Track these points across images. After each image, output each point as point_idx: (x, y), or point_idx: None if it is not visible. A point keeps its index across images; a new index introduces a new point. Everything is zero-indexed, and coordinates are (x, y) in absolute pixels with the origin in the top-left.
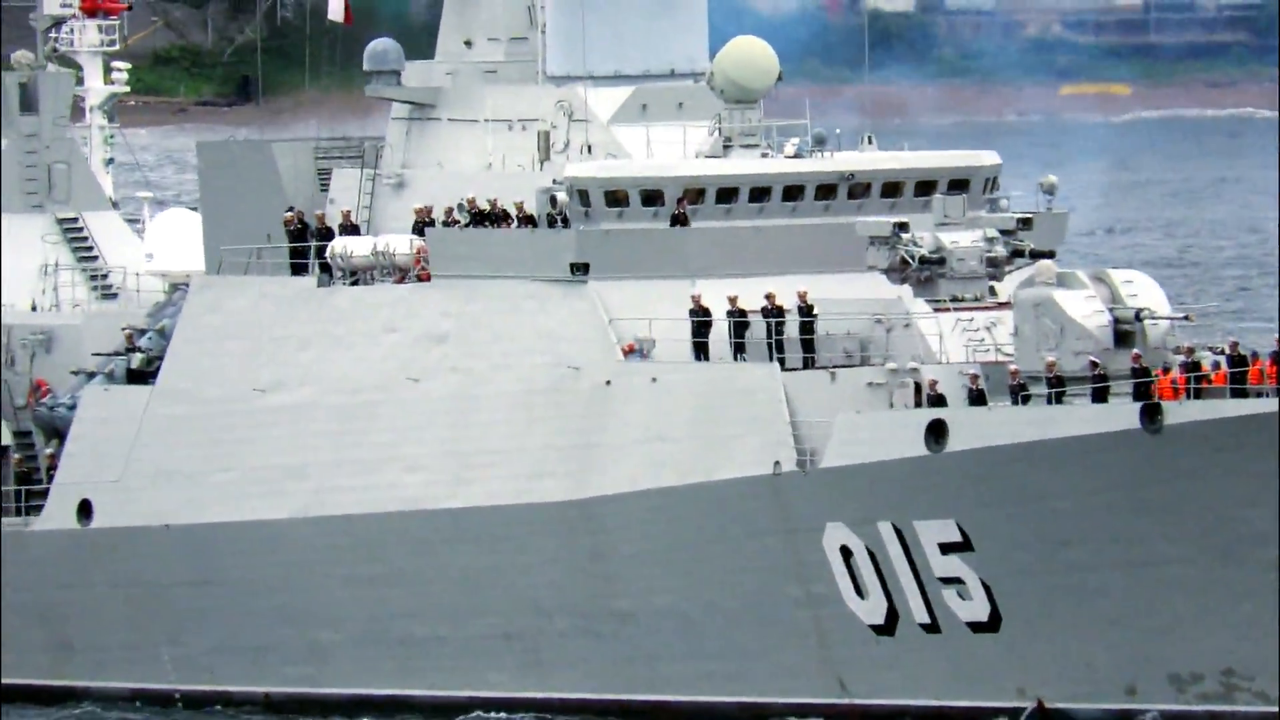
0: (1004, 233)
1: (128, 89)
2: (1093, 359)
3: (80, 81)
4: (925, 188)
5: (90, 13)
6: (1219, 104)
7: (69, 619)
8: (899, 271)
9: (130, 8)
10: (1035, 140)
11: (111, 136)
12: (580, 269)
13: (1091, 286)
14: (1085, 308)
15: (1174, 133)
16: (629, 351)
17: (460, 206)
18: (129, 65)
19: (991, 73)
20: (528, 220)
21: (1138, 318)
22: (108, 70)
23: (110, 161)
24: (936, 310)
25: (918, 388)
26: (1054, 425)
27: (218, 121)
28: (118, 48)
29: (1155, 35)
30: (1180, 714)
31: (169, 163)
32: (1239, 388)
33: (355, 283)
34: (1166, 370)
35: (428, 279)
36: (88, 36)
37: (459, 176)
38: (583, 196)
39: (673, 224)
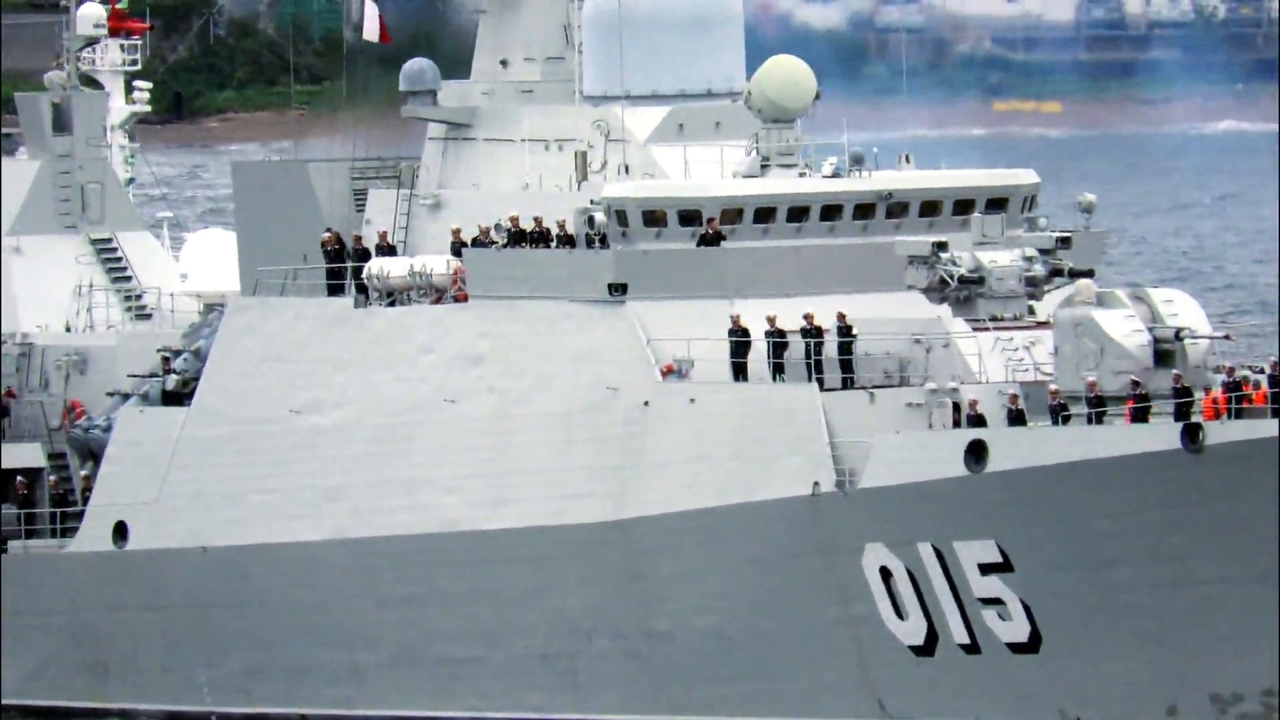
0: (1043, 252)
1: (149, 108)
2: (1133, 378)
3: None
4: (963, 207)
5: (114, 32)
6: (1154, 121)
7: (105, 641)
8: (938, 291)
9: (153, 28)
10: (969, 159)
11: (132, 156)
12: (618, 289)
13: (1131, 306)
14: (1125, 327)
15: (1114, 149)
16: (667, 372)
17: (498, 226)
18: (150, 85)
19: (923, 90)
20: (565, 240)
21: (1178, 337)
22: (129, 90)
23: (131, 181)
24: (976, 330)
25: (957, 408)
26: (1094, 445)
27: (154, 139)
28: (139, 67)
29: (1085, 52)
30: None
31: None
32: None
33: (392, 304)
34: (1209, 391)
35: (465, 300)
36: (110, 56)
37: (496, 197)
38: (620, 217)
39: (703, 243)
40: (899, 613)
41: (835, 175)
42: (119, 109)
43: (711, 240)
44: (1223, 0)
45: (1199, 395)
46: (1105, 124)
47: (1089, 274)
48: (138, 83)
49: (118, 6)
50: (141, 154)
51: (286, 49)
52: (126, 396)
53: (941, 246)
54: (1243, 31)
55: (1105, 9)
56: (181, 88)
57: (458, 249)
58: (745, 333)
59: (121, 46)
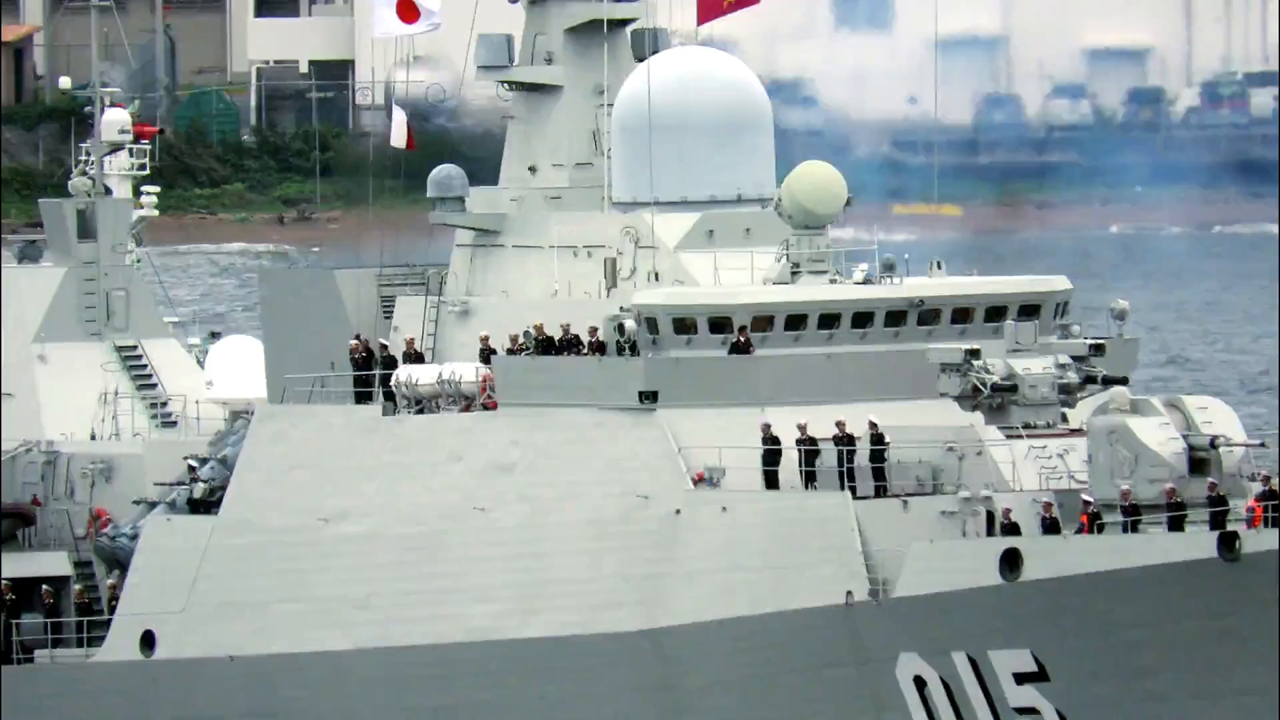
0: (1076, 359)
1: (156, 212)
2: (1168, 487)
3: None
4: (996, 313)
5: (141, 137)
6: (1053, 223)
7: None
8: (971, 399)
9: (162, 132)
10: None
11: (139, 260)
12: (649, 397)
13: (1166, 413)
14: (1160, 435)
15: (1014, 252)
16: (699, 480)
17: (527, 334)
18: (158, 189)
19: None
20: (595, 348)
21: (1213, 445)
22: (137, 194)
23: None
24: (1009, 437)
25: (990, 516)
26: (1130, 554)
27: None
28: (147, 172)
29: (985, 156)
30: None
31: None
32: None
33: (421, 411)
34: (1255, 501)
35: (494, 407)
36: (119, 160)
37: (525, 304)
38: (651, 324)
39: (733, 351)
40: None
41: (867, 282)
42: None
43: (741, 348)
44: (1122, 104)
45: (1237, 503)
46: (1005, 227)
47: (1123, 381)
48: (146, 187)
49: (129, 111)
50: (147, 256)
51: (185, 152)
52: (153, 505)
53: (974, 354)
54: (1142, 135)
55: (1005, 112)
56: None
57: (487, 356)
58: (777, 441)
59: (130, 151)
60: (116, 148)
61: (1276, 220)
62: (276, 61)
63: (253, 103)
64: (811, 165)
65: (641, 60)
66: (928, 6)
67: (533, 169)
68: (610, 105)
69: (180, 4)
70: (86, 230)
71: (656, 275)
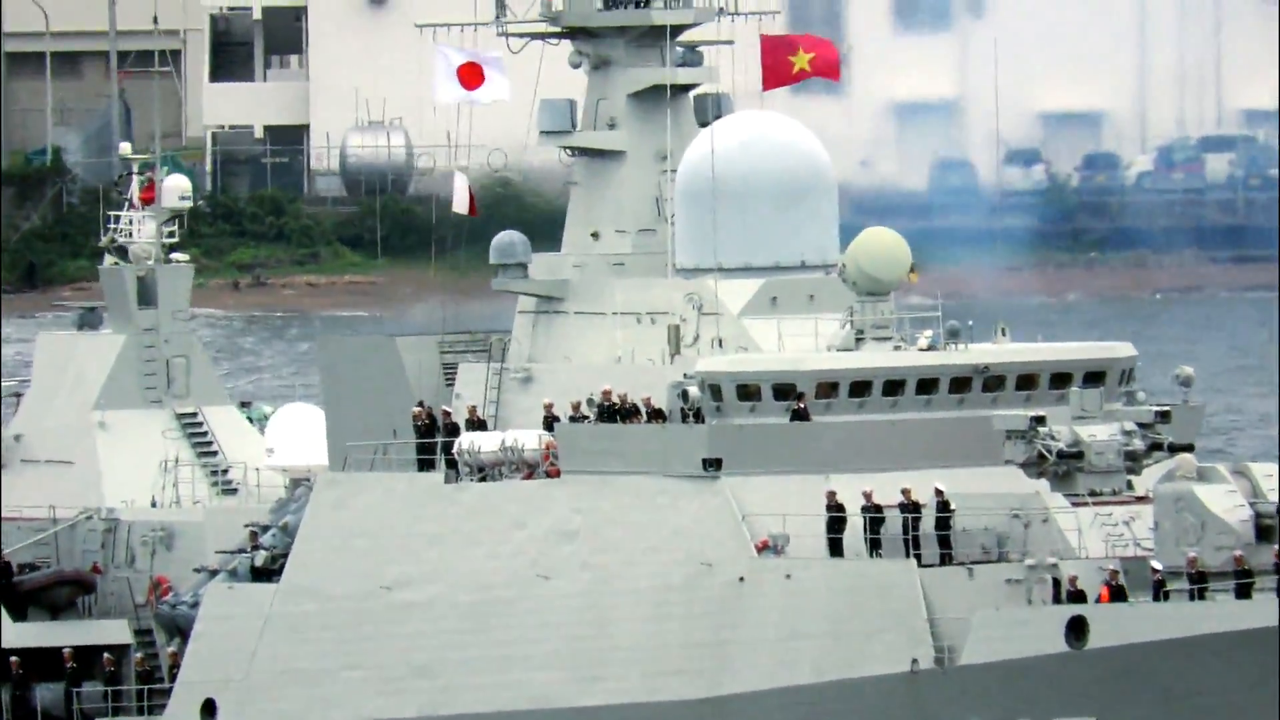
0: (1141, 425)
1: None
2: (1235, 554)
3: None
4: (1061, 380)
5: (149, 203)
6: (1008, 291)
7: None
8: (1036, 465)
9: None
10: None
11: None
12: (713, 464)
13: (1232, 480)
14: (1226, 502)
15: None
16: (763, 548)
17: (590, 401)
18: (187, 258)
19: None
20: (657, 415)
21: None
22: (165, 261)
23: None
24: (1074, 504)
25: (1056, 583)
26: (1196, 622)
27: (9, 310)
28: (176, 240)
29: (939, 220)
30: None
31: None
32: None
33: (483, 479)
34: None
35: (557, 475)
36: (146, 229)
37: (587, 370)
38: (714, 391)
39: (793, 419)
40: None
41: (931, 348)
42: None
43: (801, 415)
44: (1076, 169)
45: None
46: (959, 293)
47: (1189, 448)
48: (175, 255)
49: (154, 178)
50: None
51: None
52: (214, 573)
53: (1039, 421)
54: (1097, 200)
55: (959, 176)
56: (35, 256)
57: (550, 423)
58: (841, 508)
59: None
60: (178, 215)
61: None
62: (232, 126)
63: (208, 168)
64: (875, 231)
65: (705, 125)
66: (884, 71)
67: (595, 235)
68: (673, 171)
69: (136, 69)
70: (146, 297)
71: (720, 342)
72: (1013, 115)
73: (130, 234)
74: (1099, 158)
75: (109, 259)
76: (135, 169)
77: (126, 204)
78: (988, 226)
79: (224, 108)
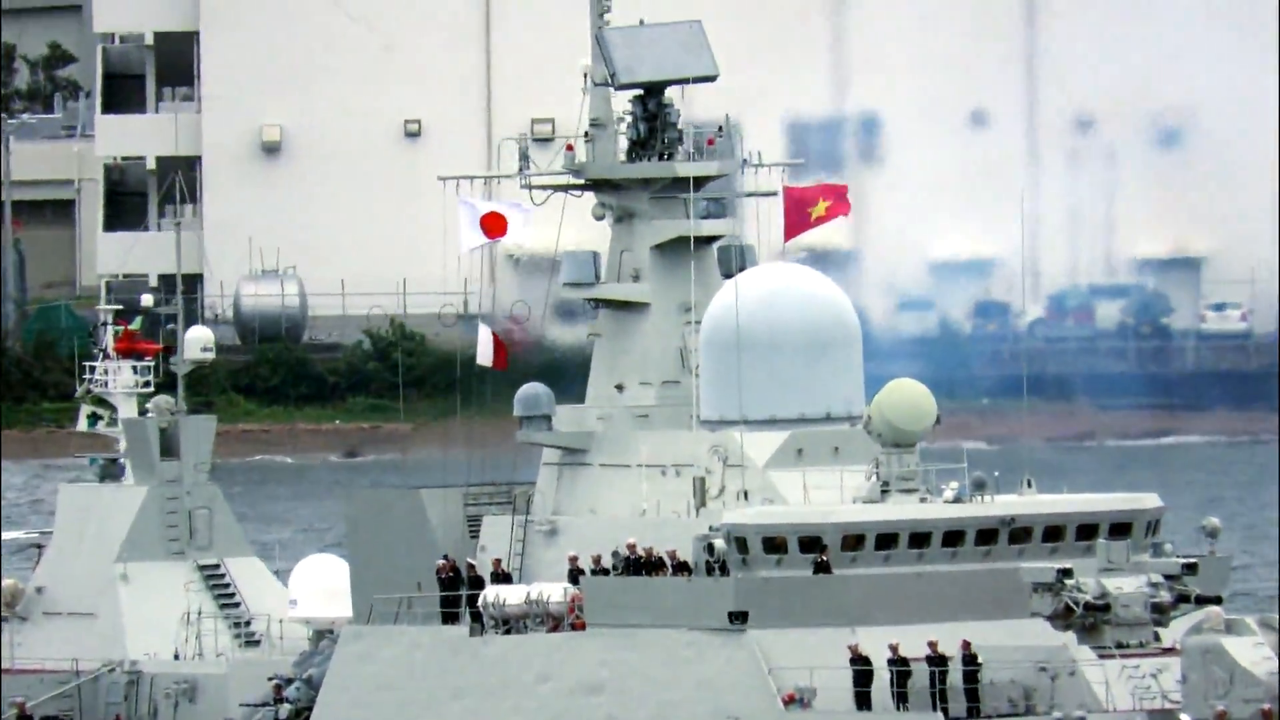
0: (1168, 577)
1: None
2: (1264, 707)
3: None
4: (1087, 532)
5: (124, 354)
6: None
7: None
8: (1063, 618)
9: (166, 349)
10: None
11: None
12: (739, 618)
13: (1260, 633)
14: (1254, 655)
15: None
16: (789, 701)
17: (615, 553)
18: (171, 405)
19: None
20: (683, 568)
21: None
22: (142, 411)
23: None
24: (1102, 657)
25: None
26: None
27: None
28: (151, 389)
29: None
30: None
31: None
32: None
33: (508, 632)
34: None
35: (582, 628)
36: (122, 377)
37: (613, 523)
38: (740, 544)
39: (816, 571)
40: None
41: (957, 500)
42: None
43: (824, 568)
44: (968, 316)
45: None
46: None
47: (1216, 600)
48: (153, 402)
49: (129, 328)
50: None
51: (34, 366)
52: None
53: (1066, 573)
54: (989, 346)
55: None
56: None
57: (575, 576)
58: (868, 661)
59: (134, 368)
60: (199, 365)
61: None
62: (125, 275)
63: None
64: (901, 383)
65: (729, 277)
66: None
67: (620, 387)
68: (698, 323)
69: (30, 218)
70: (168, 448)
71: (746, 494)
72: (905, 263)
73: (106, 384)
74: (991, 305)
75: (85, 409)
76: (110, 319)
77: (101, 354)
78: (879, 373)
79: (117, 257)
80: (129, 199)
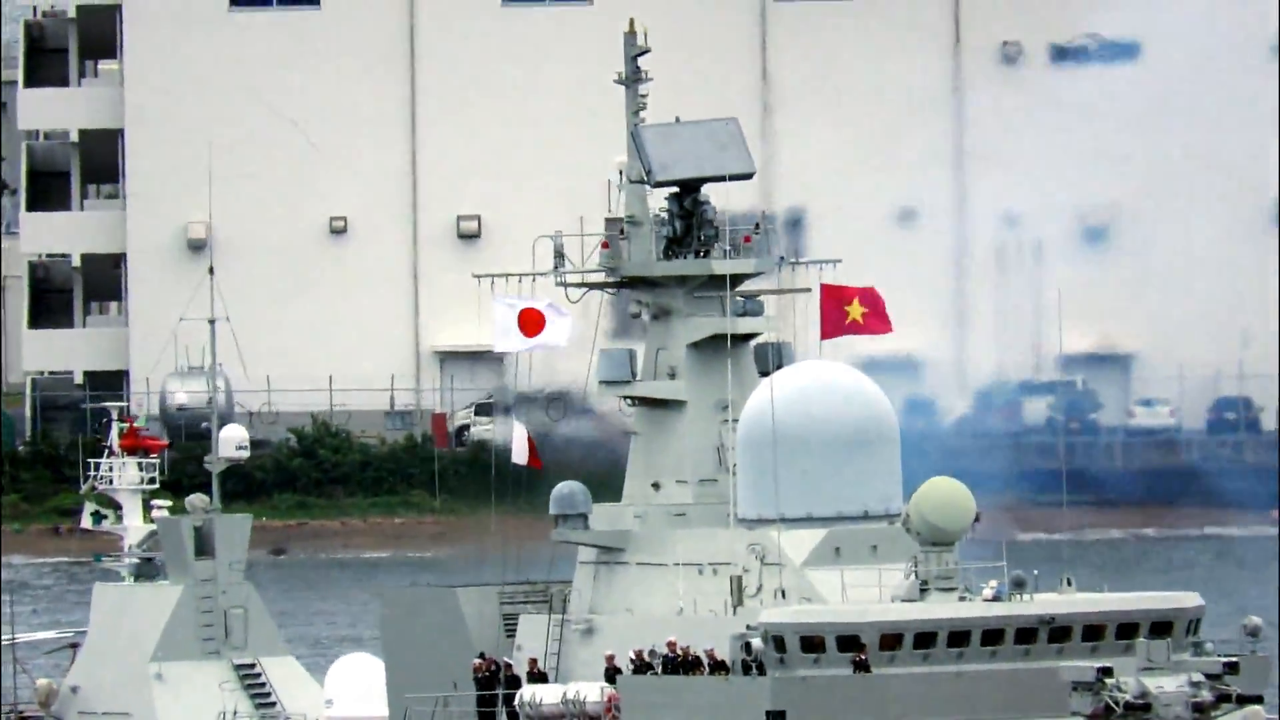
0: (1210, 676)
1: None
2: None
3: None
4: (1128, 631)
5: (130, 450)
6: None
7: None
8: (1103, 717)
9: (170, 446)
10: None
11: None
12: (776, 717)
13: None
14: None
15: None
16: None
17: (652, 652)
18: (170, 504)
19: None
20: (720, 666)
21: None
22: (147, 509)
23: None
24: None
25: None
26: None
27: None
28: (156, 486)
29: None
30: None
31: None
32: None
33: None
34: None
35: None
36: (127, 475)
37: (649, 621)
38: (778, 643)
39: (855, 670)
40: None
41: (996, 599)
42: (137, 528)
43: (863, 667)
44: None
45: None
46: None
47: (1258, 700)
48: (156, 501)
49: (135, 425)
50: None
51: None
52: None
53: (1106, 672)
54: (917, 442)
55: None
56: None
57: (611, 675)
58: None
59: (139, 465)
60: (234, 462)
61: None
62: (51, 372)
63: (27, 414)
64: (939, 481)
65: (765, 375)
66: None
67: (656, 485)
68: (734, 421)
69: None
70: (203, 547)
71: (783, 593)
72: (831, 359)
73: (110, 480)
74: (917, 402)
75: (89, 506)
76: (115, 415)
77: (106, 451)
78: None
79: (42, 354)
80: (54, 296)
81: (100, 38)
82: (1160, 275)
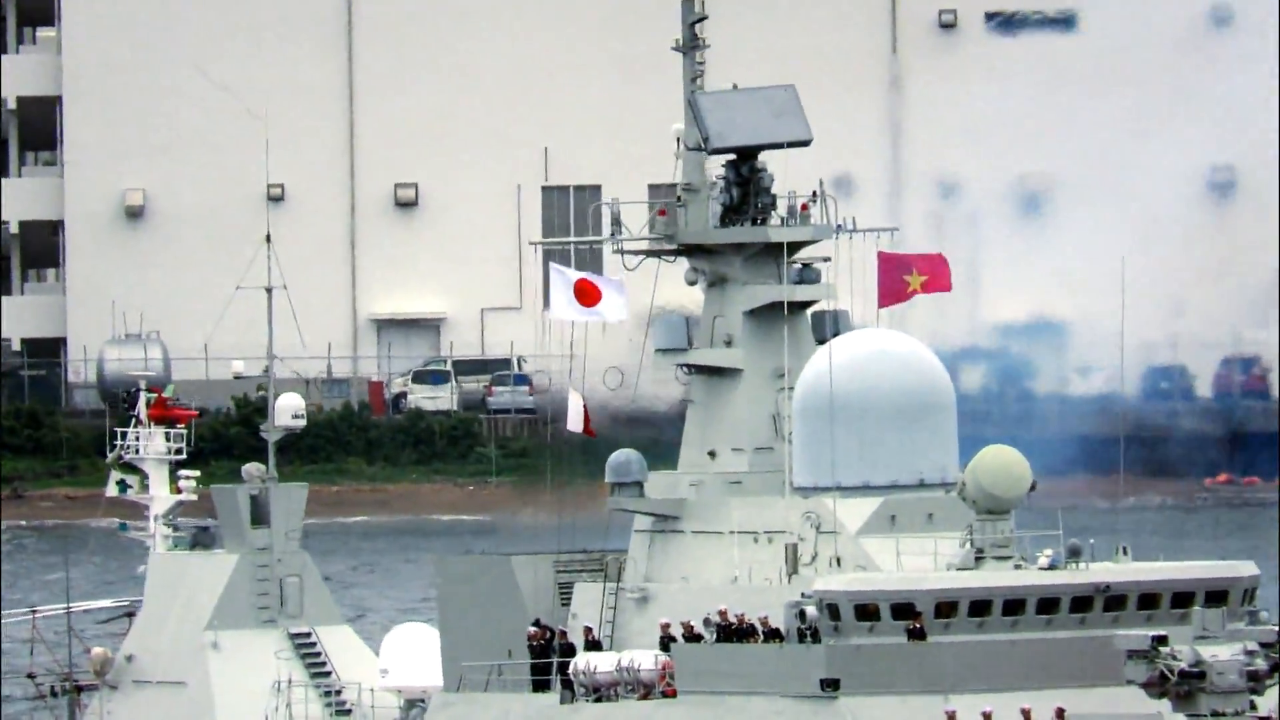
0: (1264, 645)
1: (195, 498)
2: None
3: (147, 489)
4: (1183, 600)
5: (158, 420)
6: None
7: None
8: (1158, 686)
9: (200, 415)
10: None
11: (175, 546)
12: (831, 685)
13: None
14: None
15: None
16: None
17: (706, 621)
18: (198, 474)
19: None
20: (774, 635)
21: None
22: (174, 479)
23: None
24: None
25: None
26: None
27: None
28: (184, 456)
29: None
30: None
31: None
32: None
33: (599, 699)
34: None
35: (673, 695)
36: (154, 445)
37: (704, 590)
38: (833, 611)
39: (910, 639)
40: None
41: (1052, 568)
42: (163, 498)
43: (918, 635)
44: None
45: None
46: None
47: None
48: (183, 472)
49: (163, 395)
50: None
51: None
52: None
53: (1161, 641)
54: None
55: None
56: None
57: (666, 643)
58: None
59: (166, 435)
60: (289, 433)
61: None
62: None
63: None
64: (995, 449)
65: (822, 342)
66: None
67: (712, 454)
68: (791, 389)
69: None
70: (259, 516)
71: (838, 561)
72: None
73: (137, 450)
74: None
75: (115, 474)
76: (143, 385)
77: (134, 420)
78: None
79: None
80: None
81: (38, 5)
82: (1096, 243)
